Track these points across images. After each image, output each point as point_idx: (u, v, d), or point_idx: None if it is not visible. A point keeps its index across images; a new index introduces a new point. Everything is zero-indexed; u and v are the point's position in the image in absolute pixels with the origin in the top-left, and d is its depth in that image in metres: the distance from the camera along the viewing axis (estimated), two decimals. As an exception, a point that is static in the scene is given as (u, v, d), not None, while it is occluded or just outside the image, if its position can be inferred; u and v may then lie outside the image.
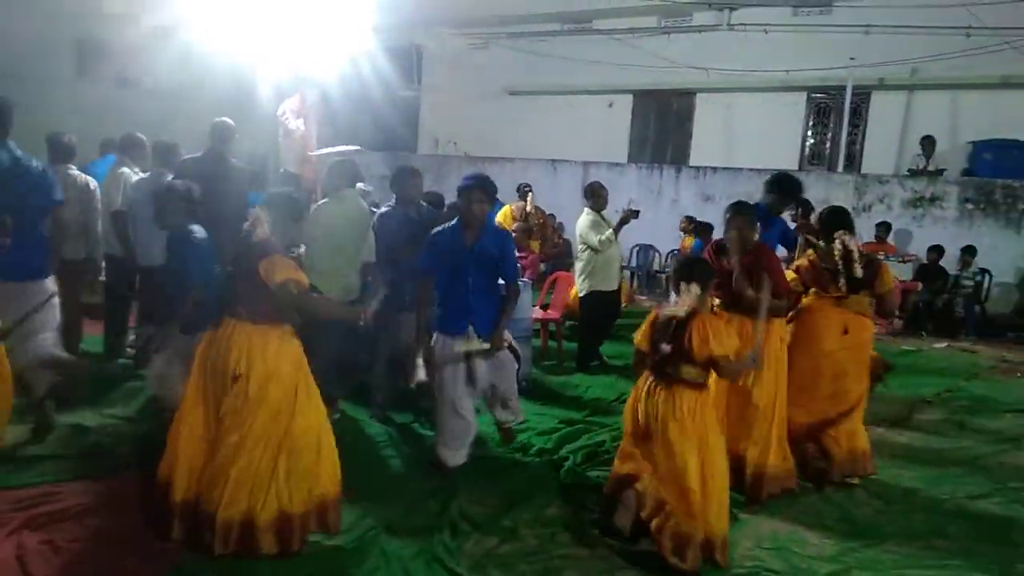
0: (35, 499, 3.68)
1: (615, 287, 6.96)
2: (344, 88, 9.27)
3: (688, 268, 3.61)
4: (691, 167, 13.10)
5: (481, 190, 4.29)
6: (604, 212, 6.92)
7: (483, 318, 4.36)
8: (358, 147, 7.23)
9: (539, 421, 5.34)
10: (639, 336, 3.72)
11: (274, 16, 8.28)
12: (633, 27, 14.26)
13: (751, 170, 11.75)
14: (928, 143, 11.55)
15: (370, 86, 11.62)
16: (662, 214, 12.18)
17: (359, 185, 6.29)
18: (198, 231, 4.38)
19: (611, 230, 6.66)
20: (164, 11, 9.35)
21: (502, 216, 9.66)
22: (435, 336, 4.43)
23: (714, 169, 12.55)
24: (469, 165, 14.69)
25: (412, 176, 5.23)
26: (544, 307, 7.70)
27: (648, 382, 3.62)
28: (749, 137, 13.41)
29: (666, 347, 3.51)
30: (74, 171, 5.68)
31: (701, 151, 14.10)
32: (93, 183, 5.75)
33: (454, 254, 4.31)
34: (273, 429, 3.29)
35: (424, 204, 5.46)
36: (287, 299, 3.37)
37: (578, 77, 14.52)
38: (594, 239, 6.69)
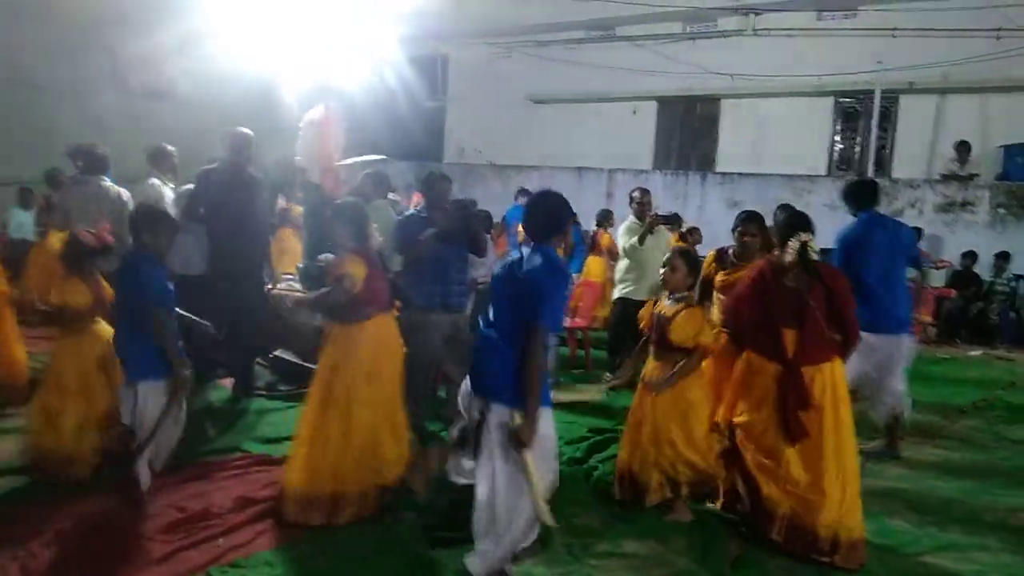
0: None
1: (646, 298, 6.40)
2: (370, 98, 9.34)
3: None
4: (717, 173, 13.02)
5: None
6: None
7: None
8: (384, 156, 7.24)
9: (569, 430, 5.31)
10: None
11: (300, 26, 8.36)
12: (657, 33, 14.24)
13: (779, 176, 11.65)
14: (963, 148, 11.40)
15: (396, 96, 11.69)
16: (688, 221, 12.11)
17: (389, 195, 6.32)
18: None
19: (636, 237, 6.53)
20: (190, 21, 9.48)
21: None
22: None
23: (741, 175, 12.46)
24: (494, 174, 14.72)
25: (440, 181, 5.19)
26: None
27: None
28: (776, 142, 13.31)
29: None
30: (107, 183, 5.75)
31: (727, 157, 14.02)
32: (126, 194, 5.82)
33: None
34: None
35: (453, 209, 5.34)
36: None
37: (602, 84, 14.50)
38: (621, 244, 6.66)
